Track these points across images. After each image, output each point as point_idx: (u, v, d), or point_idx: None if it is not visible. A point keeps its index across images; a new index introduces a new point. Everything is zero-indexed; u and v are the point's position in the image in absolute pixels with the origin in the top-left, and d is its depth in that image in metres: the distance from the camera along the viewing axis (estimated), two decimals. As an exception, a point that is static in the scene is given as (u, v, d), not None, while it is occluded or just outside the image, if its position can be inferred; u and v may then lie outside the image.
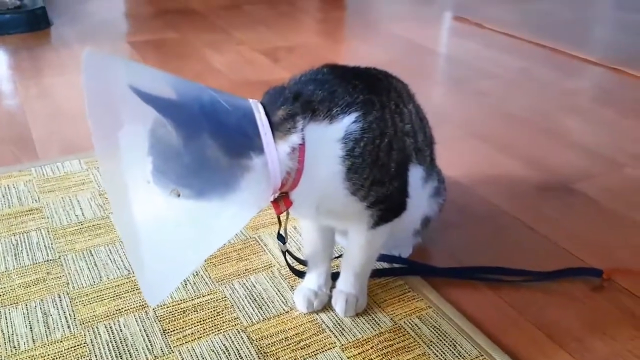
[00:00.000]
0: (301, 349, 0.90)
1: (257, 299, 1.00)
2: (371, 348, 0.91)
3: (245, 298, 1.00)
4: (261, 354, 0.89)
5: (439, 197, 1.06)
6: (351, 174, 0.80)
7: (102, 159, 0.72)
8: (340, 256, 1.04)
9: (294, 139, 0.77)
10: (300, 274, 1.03)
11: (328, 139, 0.79)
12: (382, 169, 0.83)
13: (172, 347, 0.90)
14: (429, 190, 1.02)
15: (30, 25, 2.51)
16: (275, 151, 0.76)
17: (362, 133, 0.80)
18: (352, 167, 0.80)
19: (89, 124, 0.67)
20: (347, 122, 0.80)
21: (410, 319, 0.97)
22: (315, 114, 0.79)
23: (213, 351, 0.89)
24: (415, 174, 0.93)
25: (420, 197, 0.98)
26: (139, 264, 0.73)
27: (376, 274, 1.05)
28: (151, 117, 0.71)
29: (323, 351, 0.90)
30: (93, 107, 0.67)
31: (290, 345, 0.91)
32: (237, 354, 0.89)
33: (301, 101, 0.79)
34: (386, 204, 0.87)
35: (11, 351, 0.89)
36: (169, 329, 0.93)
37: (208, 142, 0.71)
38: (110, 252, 1.10)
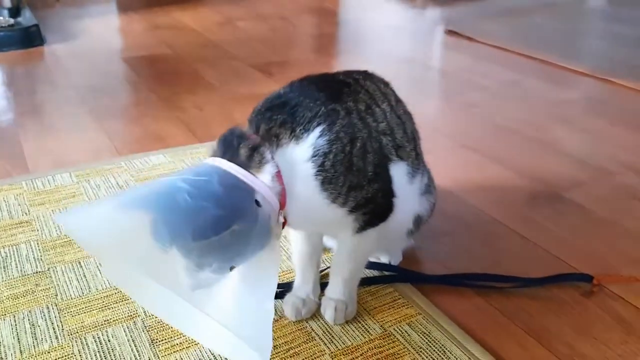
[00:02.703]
0: (290, 357, 0.90)
1: (246, 308, 1.00)
2: (361, 355, 0.90)
3: (235, 307, 1.00)
4: (250, 362, 0.89)
5: (429, 194, 1.05)
6: (326, 184, 0.81)
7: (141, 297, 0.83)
8: (329, 267, 1.03)
9: (269, 168, 0.78)
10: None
11: (298, 161, 0.80)
12: (359, 173, 0.84)
13: (160, 356, 0.89)
14: (418, 186, 1.01)
15: (24, 42, 2.53)
16: (262, 182, 0.77)
17: (330, 145, 0.81)
18: (325, 179, 0.81)
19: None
20: (312, 139, 0.80)
21: (400, 326, 0.97)
22: (280, 138, 0.80)
23: (201, 360, 0.89)
24: (400, 169, 0.93)
25: (408, 194, 0.97)
26: (234, 347, 0.75)
27: (366, 281, 1.05)
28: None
29: (312, 359, 0.89)
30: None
31: (280, 354, 0.90)
32: (225, 362, 0.88)
33: (261, 132, 0.81)
34: (369, 207, 0.86)
35: (-2, 362, 0.88)
36: (157, 339, 0.93)
37: (232, 228, 0.72)
38: (100, 264, 1.10)
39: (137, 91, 2.11)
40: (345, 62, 2.64)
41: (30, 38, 2.55)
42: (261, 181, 0.77)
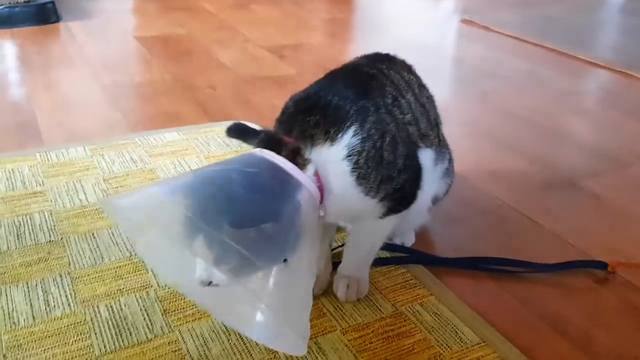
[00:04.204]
0: (302, 332, 0.90)
1: (258, 283, 1.00)
2: (372, 332, 0.91)
3: (247, 282, 1.00)
4: (261, 335, 0.89)
5: (447, 178, 1.08)
6: (360, 179, 0.83)
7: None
8: (342, 246, 1.03)
9: (311, 167, 0.80)
10: None
11: (334, 160, 0.82)
12: (389, 166, 0.85)
13: (172, 326, 0.90)
14: (440, 170, 1.03)
15: (40, 19, 2.53)
16: (307, 176, 0.80)
17: (362, 144, 0.82)
18: (359, 175, 0.83)
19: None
20: (346, 139, 0.81)
21: (412, 306, 0.96)
22: (315, 139, 0.81)
23: (213, 332, 0.89)
24: (426, 156, 0.94)
25: (431, 179, 0.99)
26: (274, 332, 0.77)
27: (378, 262, 1.04)
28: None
29: (323, 334, 0.90)
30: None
31: (291, 329, 0.90)
32: (237, 334, 0.88)
33: (295, 134, 0.82)
34: (396, 195, 0.87)
35: (11, 327, 0.88)
36: (169, 309, 0.93)
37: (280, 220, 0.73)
38: (113, 235, 1.10)
39: (150, 70, 2.11)
40: (359, 48, 2.62)
41: (46, 15, 2.55)
42: (307, 175, 0.80)
